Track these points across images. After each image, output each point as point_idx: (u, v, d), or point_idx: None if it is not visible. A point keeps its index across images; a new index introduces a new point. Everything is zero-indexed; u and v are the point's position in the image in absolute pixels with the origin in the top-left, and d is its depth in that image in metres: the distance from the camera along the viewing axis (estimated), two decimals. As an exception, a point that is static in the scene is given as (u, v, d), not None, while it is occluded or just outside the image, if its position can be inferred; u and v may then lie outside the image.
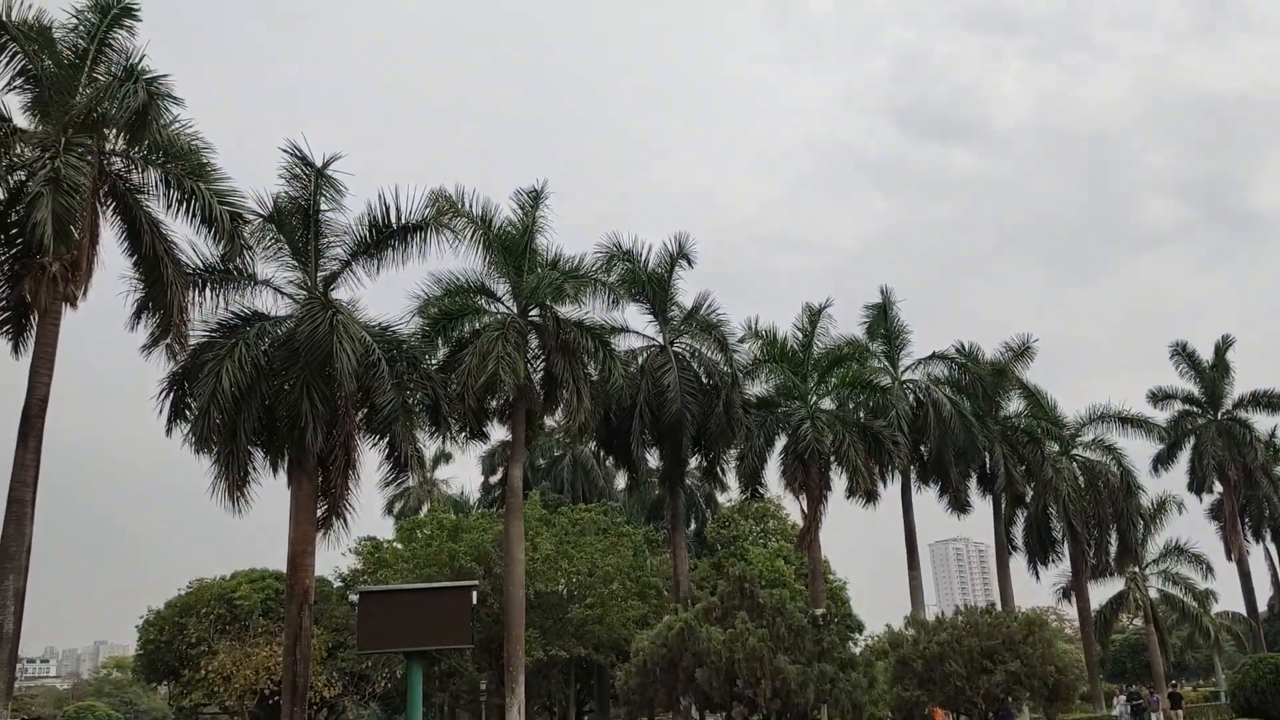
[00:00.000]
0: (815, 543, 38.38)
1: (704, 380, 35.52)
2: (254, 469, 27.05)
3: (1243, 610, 60.73)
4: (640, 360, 35.51)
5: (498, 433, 41.08)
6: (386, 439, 27.88)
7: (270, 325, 27.26)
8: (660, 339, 36.35)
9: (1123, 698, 44.42)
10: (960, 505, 45.01)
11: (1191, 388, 60.95)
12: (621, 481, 66.79)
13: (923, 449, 43.80)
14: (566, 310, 31.92)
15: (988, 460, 46.03)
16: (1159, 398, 60.55)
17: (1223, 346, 61.21)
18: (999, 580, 45.64)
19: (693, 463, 38.94)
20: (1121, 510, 48.07)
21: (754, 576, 17.82)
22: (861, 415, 41.12)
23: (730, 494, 69.42)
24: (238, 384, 24.69)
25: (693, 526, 66.24)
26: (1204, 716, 43.46)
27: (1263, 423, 61.05)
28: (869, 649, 30.22)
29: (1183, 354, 61.53)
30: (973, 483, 46.32)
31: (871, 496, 39.31)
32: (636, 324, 36.73)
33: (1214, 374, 60.48)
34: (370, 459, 29.03)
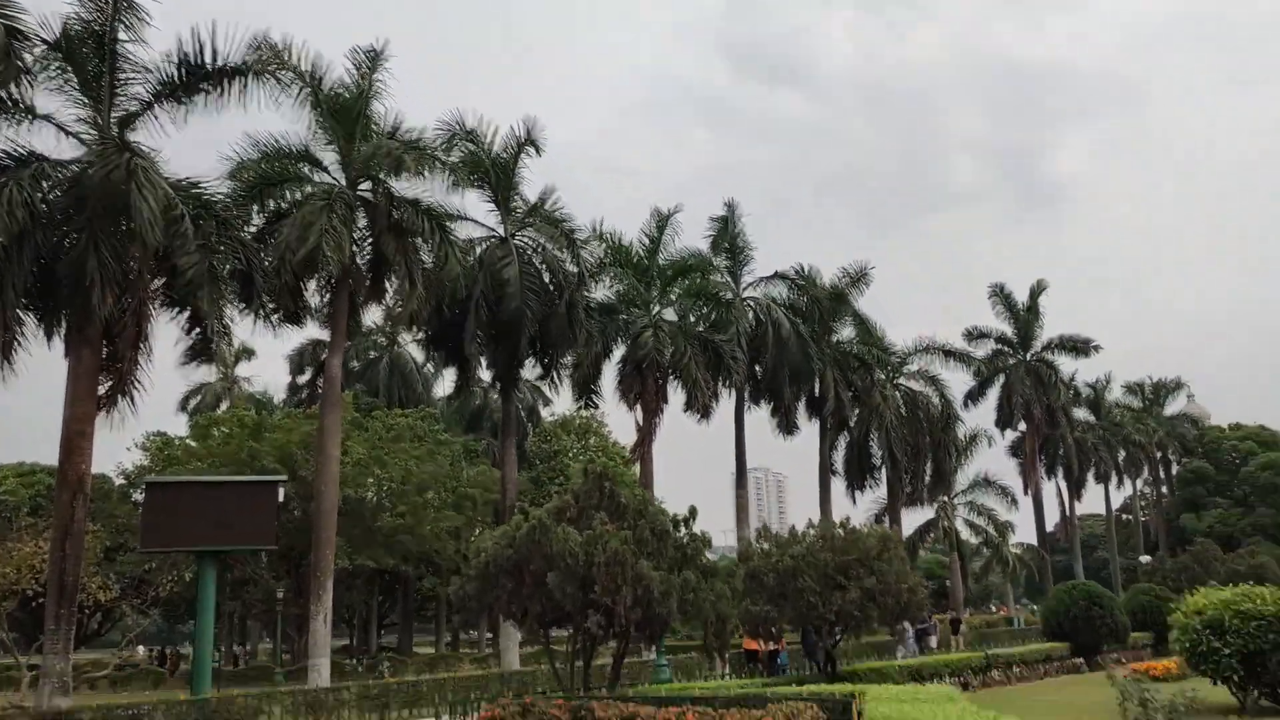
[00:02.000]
0: (648, 456, 37.12)
1: (546, 279, 33.27)
2: (24, 337, 23.19)
3: (1034, 541, 64.11)
4: (478, 251, 32.84)
5: (312, 329, 37.82)
6: (188, 312, 24.43)
7: (52, 168, 23.15)
8: (501, 230, 33.75)
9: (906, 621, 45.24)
10: (789, 427, 44.70)
11: (1006, 328, 63.10)
12: (441, 389, 63.98)
13: (757, 368, 43.07)
14: (401, 186, 28.87)
15: (817, 384, 45.75)
16: (974, 336, 62.40)
17: (1037, 290, 63.51)
18: (820, 503, 45.75)
19: (525, 371, 36.59)
20: (939, 440, 49.04)
21: (615, 474, 15.97)
22: (701, 328, 39.87)
23: (553, 408, 68.02)
24: (7, 231, 20.77)
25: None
26: (999, 639, 44.93)
27: (1066, 366, 64.15)
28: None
29: (1000, 295, 63.49)
30: (801, 405, 46.07)
31: (707, 412, 38.33)
32: (476, 213, 34.00)
33: (1027, 316, 62.72)
34: (166, 335, 25.58)
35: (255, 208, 28.24)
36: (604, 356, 37.30)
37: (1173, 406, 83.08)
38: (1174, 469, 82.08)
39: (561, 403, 64.68)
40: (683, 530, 16.06)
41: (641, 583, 14.27)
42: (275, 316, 28.35)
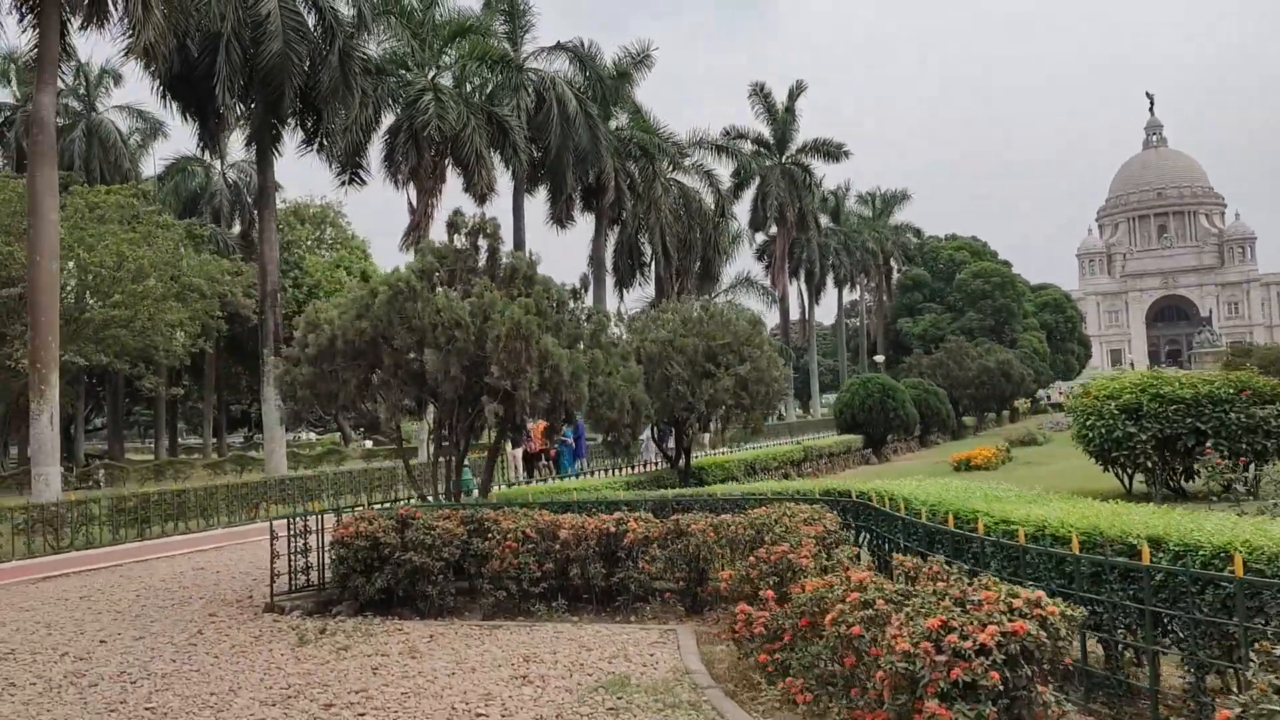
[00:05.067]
0: (424, 243, 33.00)
1: (311, 22, 27.70)
2: None
3: (779, 340, 65.70)
4: (225, -21, 26.68)
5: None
6: None
7: None
8: (252, -44, 27.59)
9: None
10: (565, 217, 41.76)
11: (764, 129, 62.17)
12: (150, 166, 55.55)
13: (534, 150, 39.39)
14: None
15: (592, 174, 42.78)
16: (732, 137, 60.87)
17: (795, 91, 62.61)
18: (594, 299, 43.59)
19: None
20: (709, 237, 47.85)
21: (497, 229, 12.54)
22: (477, 100, 35.52)
23: (284, 194, 61.13)
24: None
25: (238, 228, 57.37)
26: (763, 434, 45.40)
27: (818, 170, 64.49)
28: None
29: (760, 95, 62.21)
30: (576, 196, 43.11)
31: (485, 195, 34.56)
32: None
33: (785, 117, 61.93)
34: None
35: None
36: (372, 125, 32.43)
37: (897, 216, 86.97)
38: (894, 276, 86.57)
39: (295, 187, 58.25)
40: (573, 304, 13.08)
41: (548, 362, 11.25)
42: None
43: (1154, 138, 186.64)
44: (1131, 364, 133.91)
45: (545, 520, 10.51)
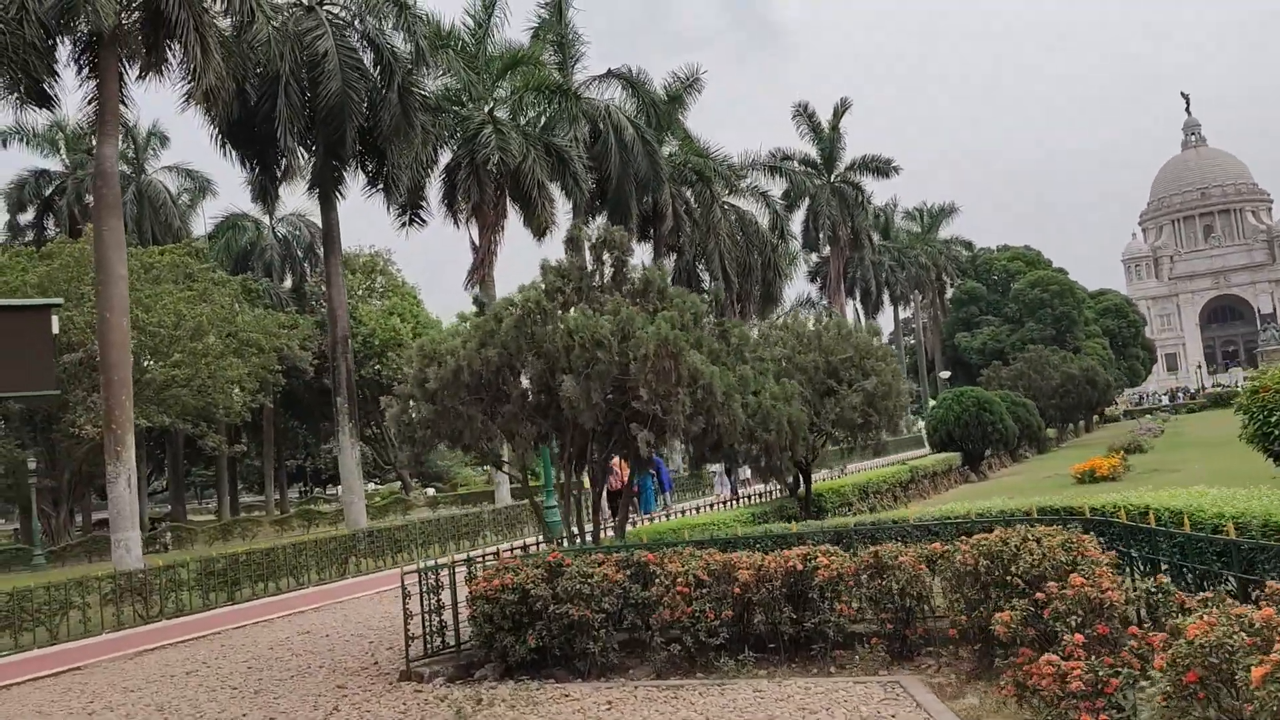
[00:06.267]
0: (488, 281, 32.14)
1: (369, 60, 26.98)
2: None
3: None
4: (279, 21, 26.04)
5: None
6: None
7: None
8: (305, -3, 26.99)
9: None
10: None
11: (810, 149, 61.00)
12: (199, 226, 55.32)
13: (590, 179, 38.45)
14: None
15: (649, 201, 41.80)
16: (779, 159, 59.81)
17: (840, 109, 61.44)
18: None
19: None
20: (769, 259, 46.63)
21: (625, 241, 11.41)
22: (535, 130, 34.68)
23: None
24: None
25: (289, 281, 57.05)
26: (832, 457, 43.90)
27: (868, 187, 63.12)
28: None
29: (804, 114, 61.07)
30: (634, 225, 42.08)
31: (546, 228, 33.60)
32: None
33: (832, 135, 60.75)
34: None
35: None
36: (431, 163, 31.65)
37: (945, 230, 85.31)
38: (947, 291, 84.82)
39: (350, 234, 57.86)
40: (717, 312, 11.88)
41: (699, 381, 10.04)
42: (14, 96, 21.14)
43: (1193, 137, 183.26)
44: (1199, 366, 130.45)
45: (718, 560, 9.26)
